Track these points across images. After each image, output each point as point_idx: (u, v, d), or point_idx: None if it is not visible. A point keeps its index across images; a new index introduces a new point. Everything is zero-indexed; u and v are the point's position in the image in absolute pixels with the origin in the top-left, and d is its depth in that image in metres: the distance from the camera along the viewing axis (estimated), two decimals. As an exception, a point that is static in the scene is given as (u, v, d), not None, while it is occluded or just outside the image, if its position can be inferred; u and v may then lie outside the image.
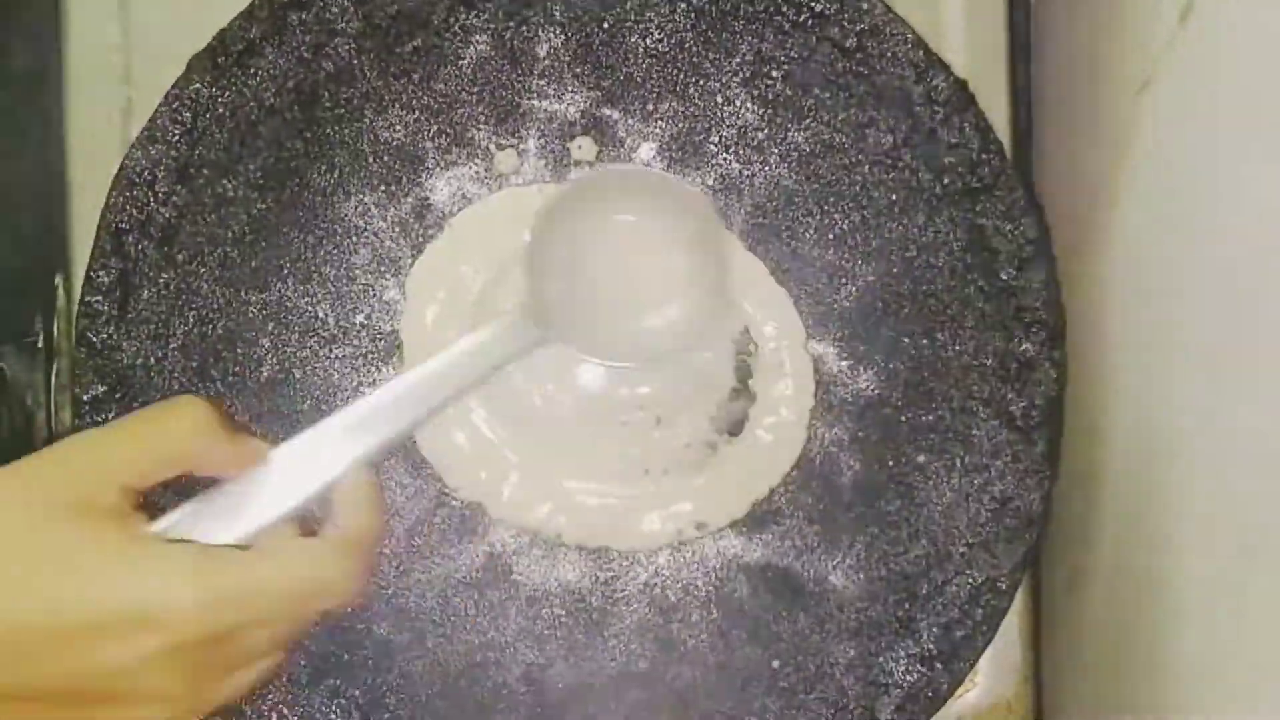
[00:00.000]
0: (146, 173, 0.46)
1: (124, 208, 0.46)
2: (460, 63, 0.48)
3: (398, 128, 0.48)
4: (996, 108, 0.50)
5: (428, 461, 0.48)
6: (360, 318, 0.48)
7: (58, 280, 0.52)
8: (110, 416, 0.46)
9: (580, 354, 0.42)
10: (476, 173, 0.49)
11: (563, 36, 0.48)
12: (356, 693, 0.46)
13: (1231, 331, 0.40)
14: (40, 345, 0.54)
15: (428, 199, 0.48)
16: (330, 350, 0.48)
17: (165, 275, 0.46)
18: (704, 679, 0.47)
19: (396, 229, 0.48)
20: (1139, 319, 0.47)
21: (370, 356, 0.48)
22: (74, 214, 0.51)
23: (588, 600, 0.48)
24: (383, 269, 0.48)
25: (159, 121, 0.46)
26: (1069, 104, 0.53)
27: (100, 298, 0.46)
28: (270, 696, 0.45)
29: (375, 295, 0.48)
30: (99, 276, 0.46)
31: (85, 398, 0.46)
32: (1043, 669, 0.54)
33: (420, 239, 0.48)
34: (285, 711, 0.45)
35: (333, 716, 0.46)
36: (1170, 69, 0.44)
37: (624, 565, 0.49)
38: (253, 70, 0.47)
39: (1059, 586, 0.54)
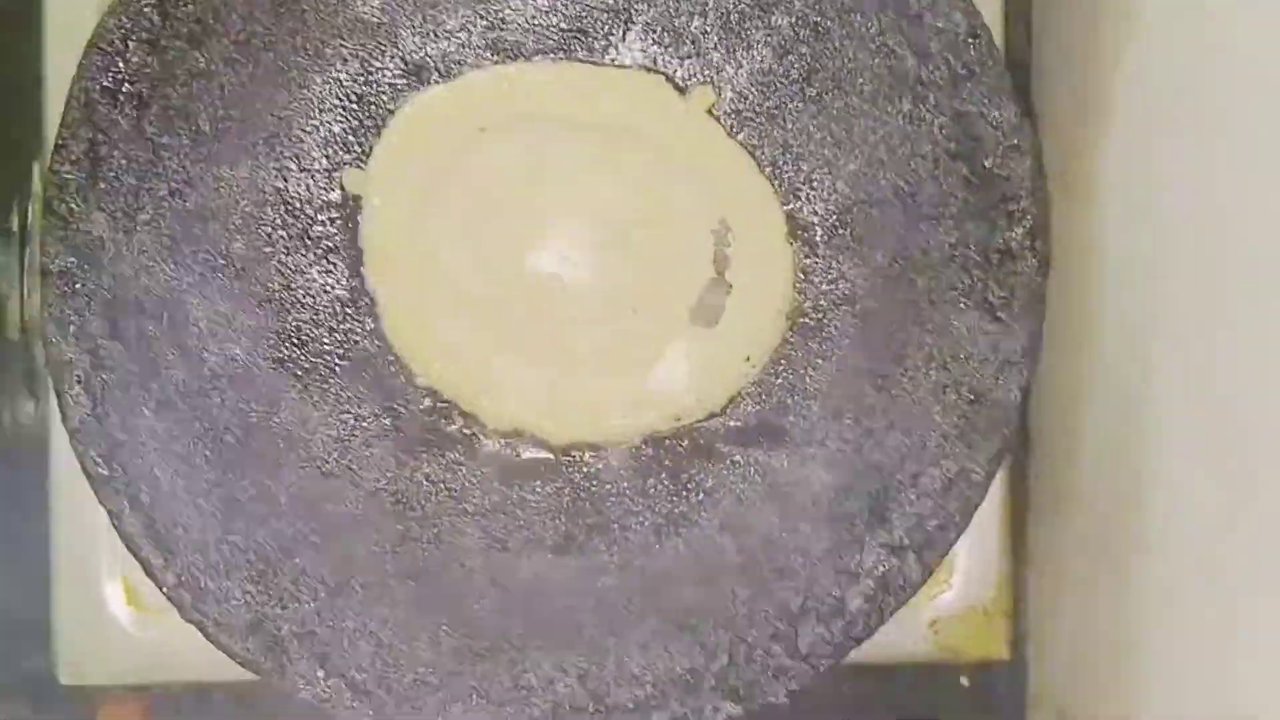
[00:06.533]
0: (118, 42, 0.45)
1: (94, 76, 0.45)
2: (439, -62, 0.47)
3: (373, 2, 0.47)
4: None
5: (397, 353, 0.48)
6: (335, 195, 0.48)
7: (34, 167, 0.52)
8: (79, 288, 0.45)
9: None
10: (453, 50, 0.48)
11: (543, -87, 0.47)
12: (324, 572, 0.45)
13: (1219, 238, 0.40)
14: (15, 231, 0.54)
15: (403, 76, 0.48)
16: (303, 228, 0.47)
17: (135, 147, 0.45)
18: (675, 567, 0.46)
19: (370, 105, 0.47)
20: (1128, 229, 0.47)
21: (342, 236, 0.48)
22: (50, 103, 0.50)
23: (558, 490, 0.48)
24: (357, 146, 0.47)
25: (131, -9, 0.45)
26: (1068, 19, 0.52)
27: (69, 167, 0.45)
28: (229, 581, 0.45)
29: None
30: (68, 145, 0.45)
31: (54, 268, 0.45)
32: (1026, 582, 0.53)
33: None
34: (250, 589, 0.45)
35: (301, 595, 0.45)
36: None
37: (595, 456, 0.48)
38: (227, -60, 0.46)
39: (1045, 507, 0.53)
